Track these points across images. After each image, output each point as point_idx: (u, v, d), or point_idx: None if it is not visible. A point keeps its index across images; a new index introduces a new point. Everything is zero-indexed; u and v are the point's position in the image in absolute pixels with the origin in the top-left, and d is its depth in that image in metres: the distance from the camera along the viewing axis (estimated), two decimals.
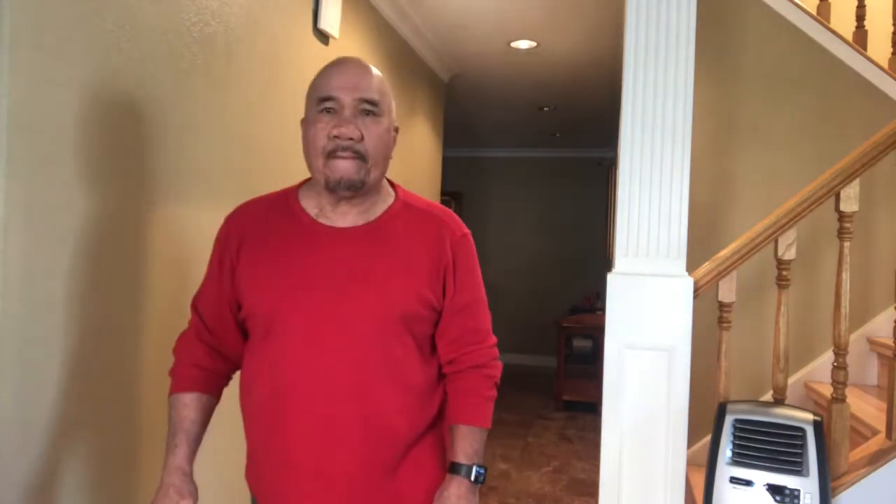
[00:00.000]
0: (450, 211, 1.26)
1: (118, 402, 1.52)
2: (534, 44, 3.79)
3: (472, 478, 1.17)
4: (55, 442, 1.34)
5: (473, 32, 3.67)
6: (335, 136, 1.11)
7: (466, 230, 1.25)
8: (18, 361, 1.25)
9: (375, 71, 1.17)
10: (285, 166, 2.26)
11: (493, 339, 1.27)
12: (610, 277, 1.87)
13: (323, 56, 2.54)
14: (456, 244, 1.21)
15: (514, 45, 3.82)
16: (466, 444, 1.20)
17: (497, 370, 1.26)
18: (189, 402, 1.17)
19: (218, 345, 1.21)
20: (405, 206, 1.22)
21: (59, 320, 1.34)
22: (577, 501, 3.37)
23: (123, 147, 1.50)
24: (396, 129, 1.21)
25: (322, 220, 1.17)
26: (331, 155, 1.11)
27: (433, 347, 1.22)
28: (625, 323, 1.85)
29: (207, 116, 1.81)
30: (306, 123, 1.16)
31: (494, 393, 1.25)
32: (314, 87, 1.16)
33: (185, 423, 1.16)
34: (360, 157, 1.12)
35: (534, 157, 7.45)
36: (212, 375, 1.21)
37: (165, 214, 1.65)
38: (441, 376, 1.24)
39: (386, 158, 1.17)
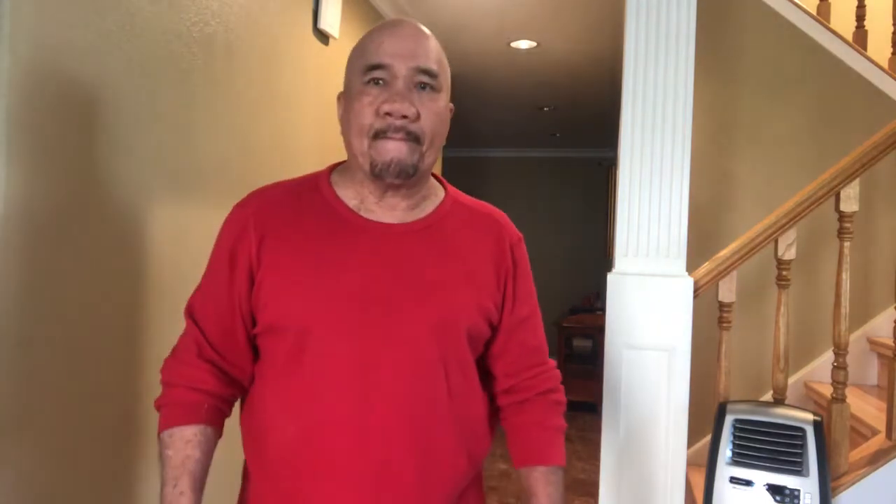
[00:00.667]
0: (501, 211, 1.10)
1: (114, 410, 1.52)
2: (534, 44, 3.79)
3: None
4: (50, 451, 1.34)
5: (473, 32, 3.67)
6: (386, 114, 0.91)
7: (520, 233, 1.09)
8: (15, 363, 1.25)
9: (433, 36, 0.98)
10: (286, 166, 2.26)
11: (553, 361, 1.10)
12: (610, 277, 1.87)
13: (323, 56, 2.54)
14: (515, 248, 1.05)
15: (514, 45, 3.82)
16: (552, 489, 1.01)
17: (563, 395, 1.09)
18: (192, 438, 0.93)
19: (224, 364, 0.97)
20: (457, 203, 1.04)
21: (56, 322, 1.34)
22: (578, 501, 3.37)
23: (123, 147, 1.50)
24: (452, 110, 1.02)
25: (364, 214, 0.97)
26: (379, 135, 0.91)
27: (485, 370, 1.05)
28: (625, 323, 1.85)
29: (207, 116, 1.81)
30: (348, 97, 0.96)
31: (565, 423, 1.07)
32: (360, 52, 0.95)
33: (190, 465, 0.92)
34: (414, 138, 0.92)
35: (534, 157, 7.45)
36: (217, 402, 0.96)
37: (165, 215, 1.65)
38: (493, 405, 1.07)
39: (441, 142, 0.98)
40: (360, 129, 0.92)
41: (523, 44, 3.80)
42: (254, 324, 0.97)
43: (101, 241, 1.45)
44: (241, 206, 0.99)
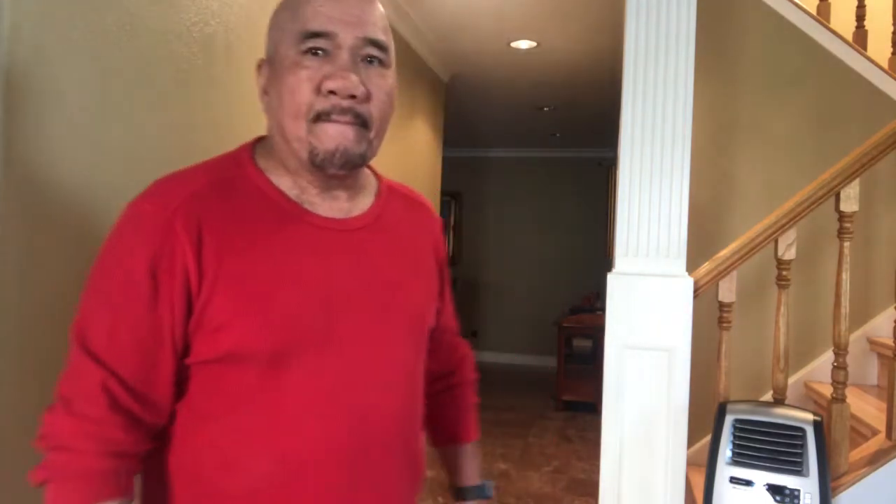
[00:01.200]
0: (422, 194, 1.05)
1: None
2: (534, 44, 3.79)
3: (491, 493, 1.07)
4: None
5: (473, 32, 3.66)
6: (330, 91, 0.76)
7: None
8: (14, 365, 1.25)
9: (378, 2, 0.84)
10: None
11: (464, 340, 1.12)
12: (610, 277, 1.87)
13: None
14: (441, 233, 1.01)
15: (514, 45, 3.82)
16: (475, 461, 1.08)
17: (475, 370, 1.12)
18: None
19: (143, 412, 0.74)
20: (391, 190, 0.94)
21: (55, 323, 1.34)
22: (577, 501, 3.37)
23: (122, 147, 1.50)
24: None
25: (308, 208, 0.82)
26: (321, 117, 0.76)
27: None
28: (625, 323, 1.85)
29: (207, 116, 1.81)
30: (276, 68, 0.79)
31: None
32: (292, 14, 0.78)
33: None
34: (362, 122, 0.78)
35: (534, 157, 7.46)
36: (134, 464, 0.75)
37: None
38: None
39: (387, 128, 0.85)
40: (296, 110, 0.77)
41: (523, 44, 3.80)
42: (186, 352, 0.76)
43: (100, 242, 1.45)
44: (154, 202, 0.76)
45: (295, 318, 0.77)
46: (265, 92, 0.82)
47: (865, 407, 2.28)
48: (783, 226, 1.97)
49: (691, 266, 1.91)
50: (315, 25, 0.76)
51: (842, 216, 1.96)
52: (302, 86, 0.76)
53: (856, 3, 2.88)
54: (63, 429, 0.72)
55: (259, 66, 0.83)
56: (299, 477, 0.77)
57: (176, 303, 0.74)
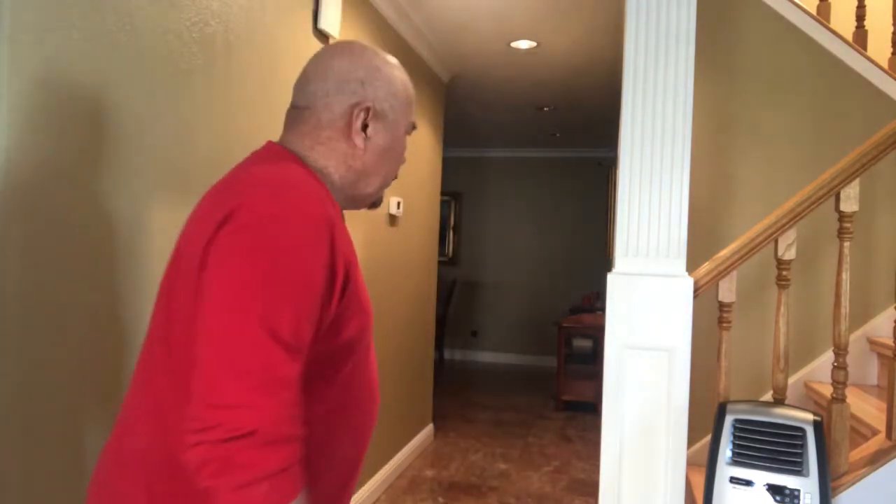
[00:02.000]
0: None
1: (116, 411, 1.52)
2: (534, 44, 3.79)
3: None
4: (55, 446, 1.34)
5: (473, 32, 3.66)
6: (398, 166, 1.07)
7: None
8: (16, 365, 1.25)
9: None
10: None
11: None
12: (610, 277, 1.87)
13: None
14: None
15: (514, 45, 3.82)
16: None
17: None
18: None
19: None
20: None
21: (57, 324, 1.34)
22: (578, 501, 3.37)
23: (122, 147, 1.50)
24: None
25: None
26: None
27: None
28: (625, 323, 1.85)
29: (207, 116, 1.81)
30: (394, 130, 1.01)
31: None
32: (408, 102, 1.03)
33: None
34: None
35: (534, 157, 7.46)
36: None
37: (165, 216, 1.65)
38: None
39: None
40: (389, 174, 1.03)
41: (523, 44, 3.80)
42: (333, 337, 0.89)
43: (101, 241, 1.45)
44: (317, 205, 0.86)
45: (370, 310, 0.96)
46: (364, 132, 0.98)
47: (865, 407, 2.28)
48: (783, 226, 1.97)
49: (691, 266, 1.91)
50: (413, 118, 1.05)
51: (842, 216, 1.96)
52: (400, 159, 1.04)
53: (856, 3, 2.88)
54: (285, 419, 0.77)
55: (370, 111, 0.97)
56: (362, 446, 0.98)
57: (336, 299, 0.86)
